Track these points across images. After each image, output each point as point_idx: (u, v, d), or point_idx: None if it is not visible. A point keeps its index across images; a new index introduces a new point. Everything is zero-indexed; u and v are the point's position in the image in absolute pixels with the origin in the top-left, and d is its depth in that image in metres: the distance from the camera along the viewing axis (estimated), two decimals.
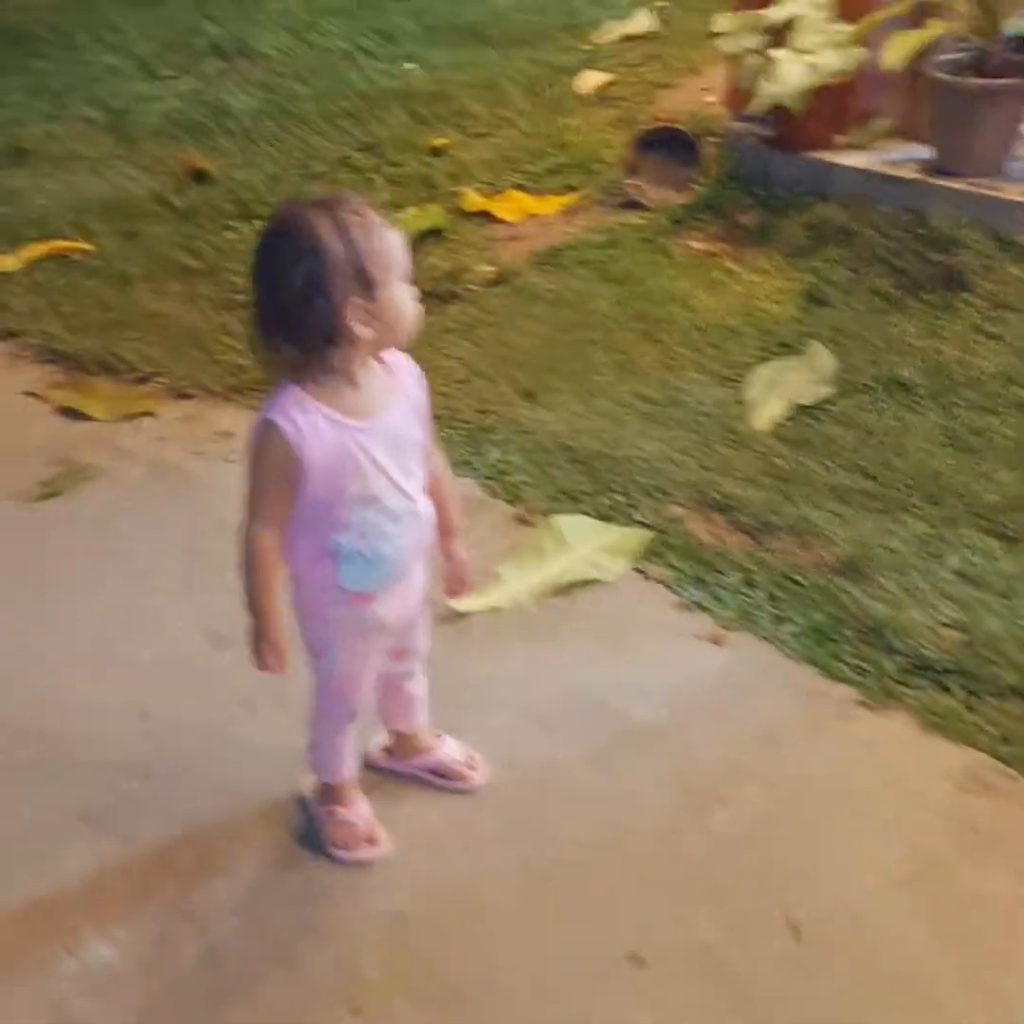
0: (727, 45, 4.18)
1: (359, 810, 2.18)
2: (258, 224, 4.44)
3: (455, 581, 2.10)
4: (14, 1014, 1.92)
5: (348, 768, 2.17)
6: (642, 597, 2.73)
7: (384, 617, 1.96)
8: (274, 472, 1.77)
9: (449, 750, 2.30)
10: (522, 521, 2.99)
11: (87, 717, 2.44)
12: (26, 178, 5.08)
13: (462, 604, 2.59)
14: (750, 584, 2.72)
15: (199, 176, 4.93)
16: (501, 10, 6.40)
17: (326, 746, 2.13)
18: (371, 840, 2.14)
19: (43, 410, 3.56)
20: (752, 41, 4.07)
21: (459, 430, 3.30)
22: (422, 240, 4.28)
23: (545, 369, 3.61)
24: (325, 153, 5.10)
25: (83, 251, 4.42)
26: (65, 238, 4.49)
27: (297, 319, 1.70)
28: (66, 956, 2.00)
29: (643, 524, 2.93)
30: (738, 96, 4.33)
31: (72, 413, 3.52)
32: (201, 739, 2.37)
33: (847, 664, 2.50)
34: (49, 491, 3.16)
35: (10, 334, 3.97)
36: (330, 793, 2.18)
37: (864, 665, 2.50)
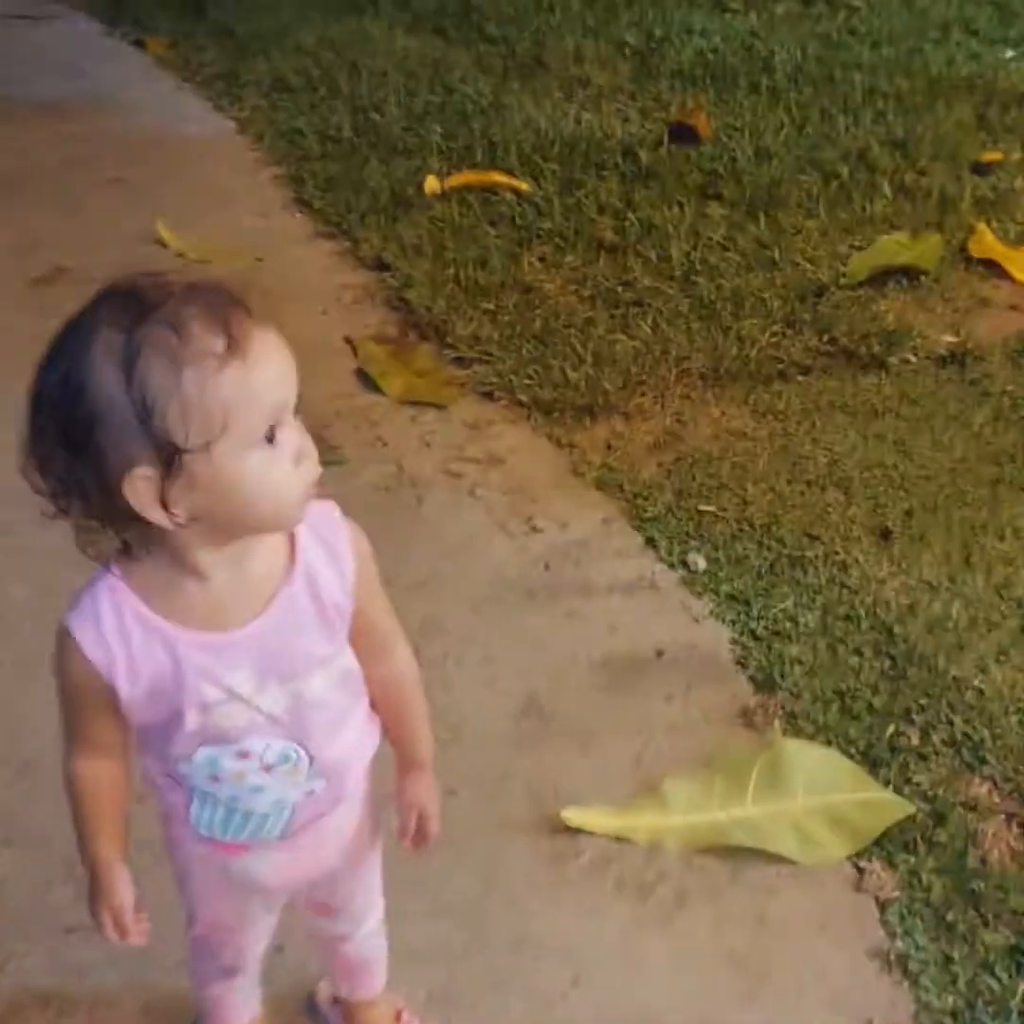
0: None
1: None
2: (714, 208, 3.80)
3: (406, 830, 1.41)
4: None
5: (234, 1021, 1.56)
6: (835, 928, 1.83)
7: (261, 877, 1.34)
8: (77, 693, 1.20)
9: None
10: (747, 721, 2.15)
11: None
12: (524, 94, 4.65)
13: (575, 817, 1.88)
14: None
15: (687, 134, 4.25)
16: None
17: (201, 998, 1.54)
18: None
19: (344, 363, 3.13)
20: None
21: (764, 550, 2.47)
22: (883, 279, 3.37)
23: (929, 504, 2.65)
24: (842, 139, 4.22)
25: (515, 190, 3.93)
26: (506, 171, 4.02)
27: (61, 475, 1.09)
28: None
29: (921, 796, 1.99)
30: None
31: (365, 378, 3.06)
32: None
33: None
34: None
35: (381, 266, 3.58)
36: None
37: None
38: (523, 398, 2.98)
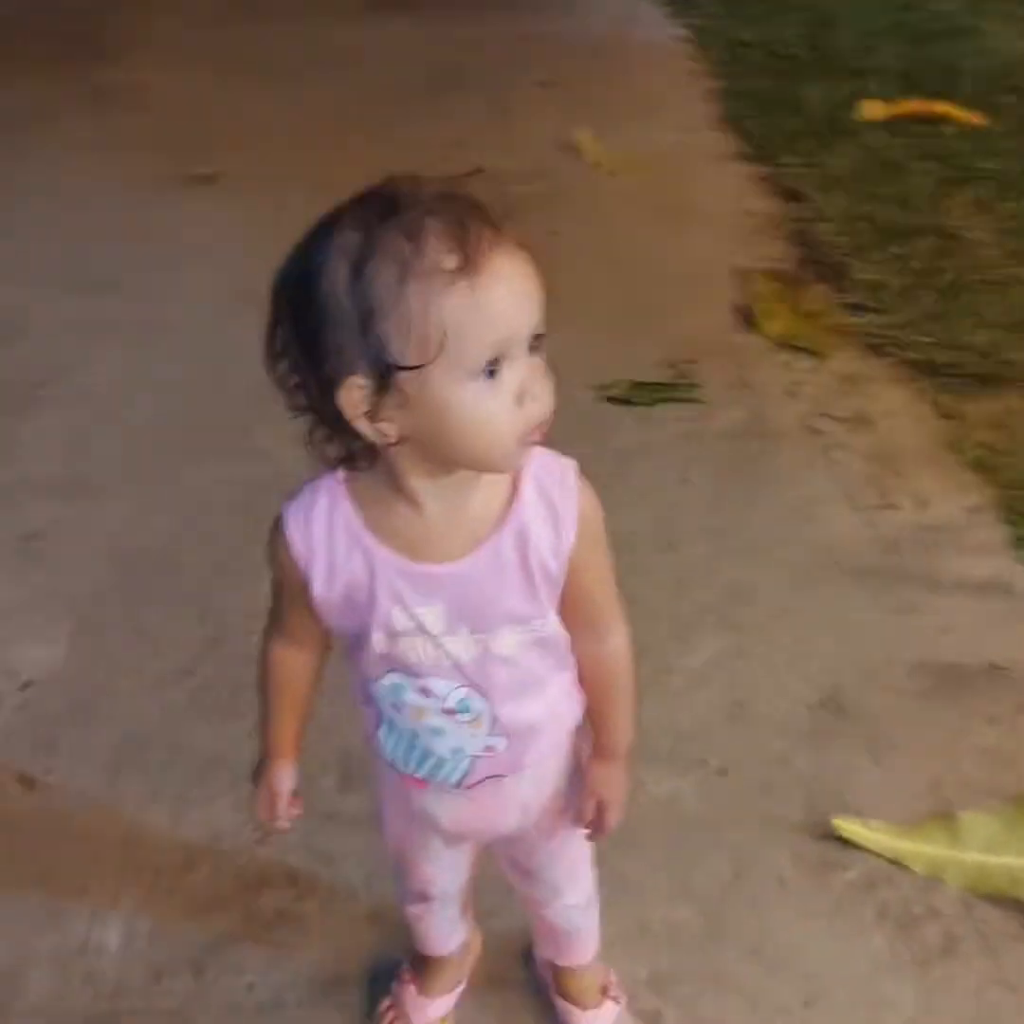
0: None
1: (426, 1010, 1.58)
2: None
3: (584, 817, 1.33)
4: None
5: (433, 946, 1.57)
6: None
7: (437, 816, 1.32)
8: (280, 579, 1.20)
9: (607, 1017, 1.58)
10: None
11: None
12: (993, 18, 4.23)
13: (850, 828, 1.75)
14: None
15: None
16: None
17: (403, 913, 1.55)
18: None
19: (726, 295, 3.01)
20: None
21: None
22: None
23: None
24: None
25: (961, 123, 3.59)
26: (956, 101, 3.67)
27: (289, 373, 1.06)
28: None
29: None
30: None
31: (745, 314, 2.93)
32: None
33: None
34: (623, 394, 2.68)
35: (794, 196, 3.39)
36: (414, 960, 1.61)
37: None
38: (913, 356, 2.73)
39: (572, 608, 1.18)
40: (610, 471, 2.38)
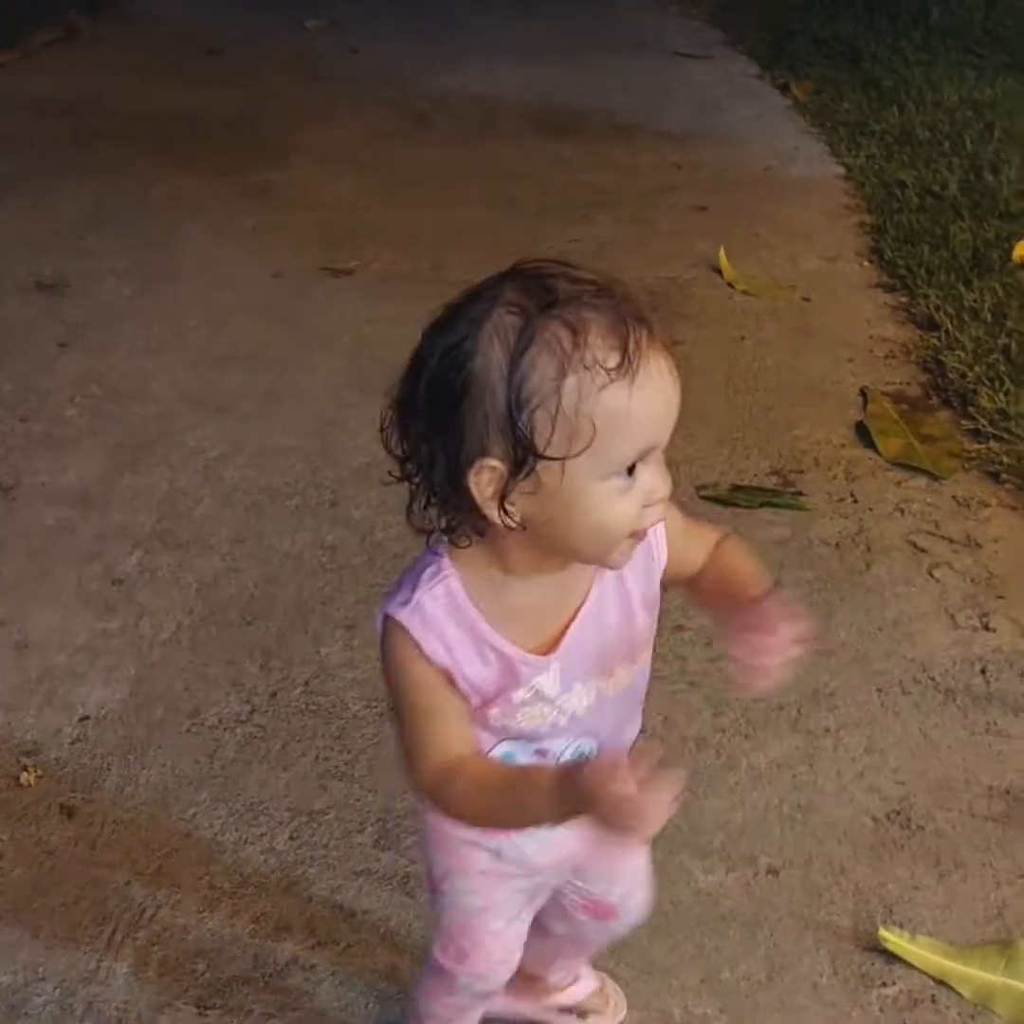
0: None
1: None
2: None
3: (756, 658, 1.14)
4: None
5: None
6: None
7: (526, 854, 1.30)
8: (423, 684, 1.14)
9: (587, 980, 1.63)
10: None
11: None
12: None
13: (896, 941, 1.71)
14: None
15: None
16: None
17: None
18: None
19: (849, 414, 3.05)
20: None
21: None
22: None
23: None
24: None
25: None
26: None
27: (415, 441, 1.08)
28: None
29: None
30: None
31: (864, 433, 2.94)
32: None
33: None
34: (723, 495, 2.70)
35: (931, 325, 3.41)
36: None
37: None
38: None
39: (678, 567, 1.22)
40: None
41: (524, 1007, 1.64)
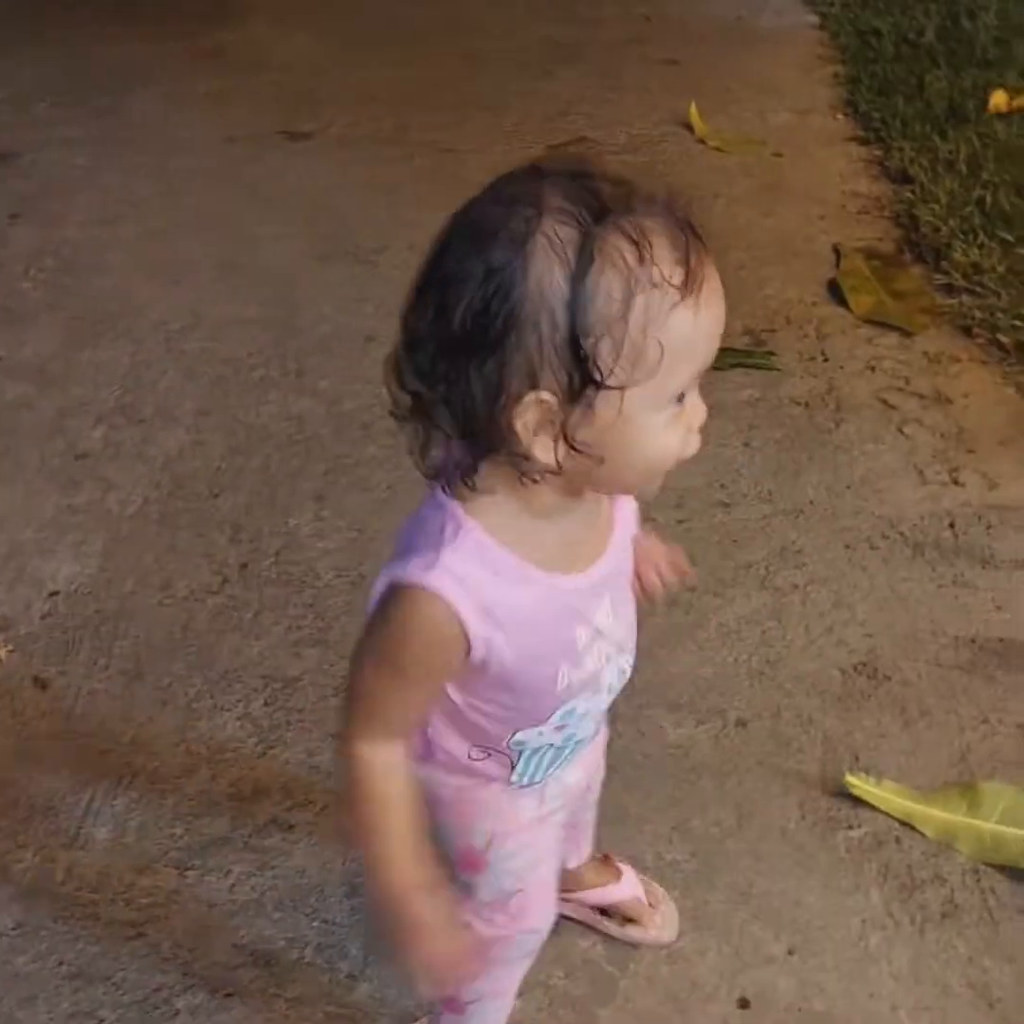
0: None
1: None
2: None
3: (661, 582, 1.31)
4: None
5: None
6: None
7: (559, 789, 1.28)
8: (422, 658, 1.04)
9: (629, 886, 1.63)
10: None
11: None
12: None
13: (862, 786, 1.77)
14: None
15: None
16: None
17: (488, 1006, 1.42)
18: None
19: (821, 272, 3.03)
20: None
21: None
22: None
23: None
24: None
25: None
26: None
27: (447, 379, 0.94)
28: None
29: None
30: None
31: (836, 291, 2.93)
32: None
33: None
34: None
35: (904, 179, 3.38)
36: None
37: None
38: (1004, 339, 2.70)
39: None
40: None
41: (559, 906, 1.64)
